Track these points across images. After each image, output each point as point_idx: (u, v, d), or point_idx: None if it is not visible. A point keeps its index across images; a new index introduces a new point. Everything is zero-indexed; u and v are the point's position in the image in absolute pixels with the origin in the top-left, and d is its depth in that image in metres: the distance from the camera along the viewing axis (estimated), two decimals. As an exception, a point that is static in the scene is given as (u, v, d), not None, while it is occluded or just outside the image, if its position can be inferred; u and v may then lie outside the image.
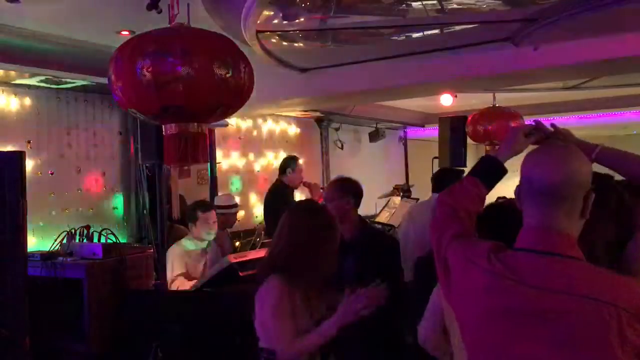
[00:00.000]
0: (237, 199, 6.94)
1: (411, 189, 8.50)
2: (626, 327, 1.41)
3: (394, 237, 4.47)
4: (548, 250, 1.51)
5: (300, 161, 6.18)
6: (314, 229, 2.51)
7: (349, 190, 3.47)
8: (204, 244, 4.56)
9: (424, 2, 3.72)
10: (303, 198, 6.22)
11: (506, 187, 2.03)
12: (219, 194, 6.41)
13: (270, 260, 2.54)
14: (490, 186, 1.82)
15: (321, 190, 6.48)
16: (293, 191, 6.07)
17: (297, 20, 4.11)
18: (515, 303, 1.51)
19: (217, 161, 6.90)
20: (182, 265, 4.42)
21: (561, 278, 1.47)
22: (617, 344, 1.41)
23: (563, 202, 1.52)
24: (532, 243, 1.53)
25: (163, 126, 2.95)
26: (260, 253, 4.13)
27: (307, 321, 2.48)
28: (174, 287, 4.29)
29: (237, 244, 6.04)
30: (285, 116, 8.12)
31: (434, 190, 4.43)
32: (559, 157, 1.56)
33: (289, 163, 6.06)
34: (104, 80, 2.99)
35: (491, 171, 1.84)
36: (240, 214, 7.03)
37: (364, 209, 7.49)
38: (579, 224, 1.54)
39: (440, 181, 4.41)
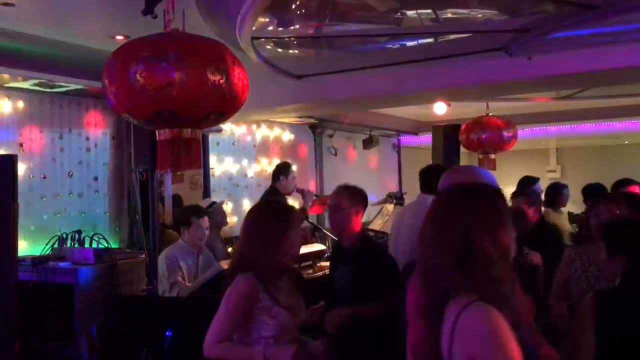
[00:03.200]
0: (230, 205, 6.96)
1: (404, 196, 8.52)
2: None
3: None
4: None
5: (294, 168, 6.19)
6: (260, 224, 2.67)
7: (360, 198, 3.45)
8: (195, 249, 4.56)
9: (419, 11, 3.74)
10: (295, 205, 6.22)
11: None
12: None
13: (233, 263, 2.72)
14: None
15: (315, 197, 6.50)
16: (285, 198, 6.07)
17: (292, 28, 4.12)
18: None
19: (211, 167, 6.89)
20: (178, 268, 4.42)
21: None
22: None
23: None
24: None
25: (156, 131, 2.94)
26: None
27: (286, 317, 2.59)
28: (176, 289, 4.27)
29: (230, 249, 6.04)
30: (280, 122, 8.12)
31: (422, 190, 4.26)
32: None
33: (282, 170, 6.06)
34: (97, 84, 2.98)
35: None
36: (233, 220, 7.03)
37: (357, 216, 7.21)
38: None
39: (428, 179, 4.26)
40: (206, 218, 4.64)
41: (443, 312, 1.59)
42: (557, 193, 6.00)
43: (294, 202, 6.31)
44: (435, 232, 1.69)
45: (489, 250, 1.59)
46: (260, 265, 2.55)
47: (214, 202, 5.62)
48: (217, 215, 5.36)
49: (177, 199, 5.93)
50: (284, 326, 2.58)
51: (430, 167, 4.37)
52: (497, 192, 1.78)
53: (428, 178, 3.95)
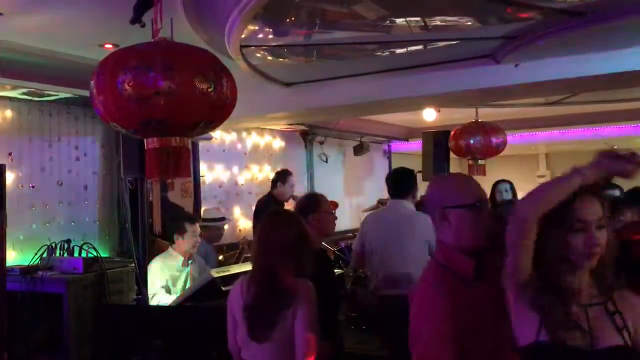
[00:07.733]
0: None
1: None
2: None
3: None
4: None
5: (292, 177, 6.20)
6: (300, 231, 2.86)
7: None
8: (186, 256, 4.55)
9: (408, 19, 3.76)
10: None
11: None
12: (205, 207, 6.39)
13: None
14: None
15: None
16: (282, 205, 6.07)
17: (281, 35, 4.13)
18: None
19: (201, 174, 6.88)
20: (163, 279, 4.41)
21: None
22: None
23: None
24: None
25: (145, 140, 2.93)
26: (244, 267, 4.14)
27: None
28: (155, 301, 4.27)
29: (221, 257, 6.02)
30: (270, 129, 8.13)
31: (391, 194, 4.38)
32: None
33: (280, 177, 6.10)
34: (86, 93, 2.96)
35: None
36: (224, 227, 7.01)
37: (349, 223, 7.53)
38: (447, 232, 2.07)
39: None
40: (198, 224, 4.66)
41: None
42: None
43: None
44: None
45: None
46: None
47: (224, 218, 5.59)
48: (217, 230, 5.34)
49: (175, 207, 5.93)
50: None
51: (401, 171, 4.57)
52: None
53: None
